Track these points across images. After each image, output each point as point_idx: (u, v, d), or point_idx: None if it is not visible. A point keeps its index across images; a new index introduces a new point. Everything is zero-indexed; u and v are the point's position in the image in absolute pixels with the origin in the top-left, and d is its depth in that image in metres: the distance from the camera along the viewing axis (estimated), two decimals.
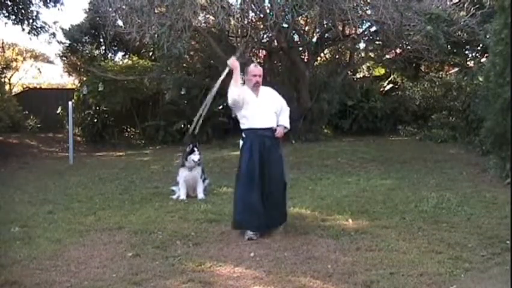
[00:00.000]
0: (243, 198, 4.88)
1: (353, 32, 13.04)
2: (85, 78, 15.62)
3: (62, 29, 15.65)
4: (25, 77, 21.76)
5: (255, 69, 5.02)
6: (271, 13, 10.42)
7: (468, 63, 14.20)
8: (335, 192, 6.80)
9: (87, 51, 16.29)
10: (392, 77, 16.05)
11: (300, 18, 12.12)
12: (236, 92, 4.82)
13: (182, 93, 14.12)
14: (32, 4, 14.17)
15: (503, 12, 6.98)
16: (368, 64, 16.51)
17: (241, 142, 5.06)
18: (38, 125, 17.09)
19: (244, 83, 4.99)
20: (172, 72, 14.07)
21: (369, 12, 11.12)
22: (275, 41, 13.25)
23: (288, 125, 5.08)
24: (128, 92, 14.41)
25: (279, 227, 4.95)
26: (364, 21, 11.86)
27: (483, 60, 12.43)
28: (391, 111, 14.82)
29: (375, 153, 10.63)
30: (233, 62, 4.99)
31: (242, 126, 5.01)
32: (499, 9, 7.19)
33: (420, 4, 10.61)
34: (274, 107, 5.02)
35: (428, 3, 10.65)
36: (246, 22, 10.88)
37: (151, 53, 16.07)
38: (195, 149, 6.76)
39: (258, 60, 13.89)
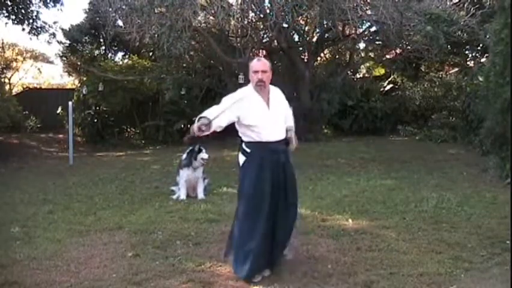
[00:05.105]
0: (243, 245, 3.77)
1: (353, 32, 13.05)
2: (85, 78, 15.61)
3: (62, 29, 15.70)
4: (25, 77, 21.81)
5: (257, 63, 3.82)
6: (271, 13, 10.42)
7: (468, 63, 14.23)
8: (335, 192, 6.79)
9: (87, 51, 16.30)
10: (392, 77, 16.05)
11: (300, 18, 12.12)
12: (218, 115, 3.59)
13: (182, 93, 14.13)
14: (32, 4, 14.22)
15: (503, 12, 6.98)
16: (368, 64, 16.52)
17: (241, 159, 3.86)
18: (38, 125, 17.09)
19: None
20: (172, 72, 14.08)
21: (369, 12, 11.13)
22: (275, 41, 13.26)
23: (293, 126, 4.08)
24: (128, 92, 14.41)
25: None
26: (364, 21, 11.87)
27: (483, 60, 12.45)
28: (391, 111, 14.82)
29: (375, 153, 10.63)
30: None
31: (245, 139, 3.82)
32: (499, 9, 7.21)
33: (420, 4, 10.63)
34: (283, 112, 3.98)
35: (428, 3, 10.68)
36: (246, 22, 10.87)
37: (151, 53, 16.09)
38: (202, 149, 6.75)
39: None
